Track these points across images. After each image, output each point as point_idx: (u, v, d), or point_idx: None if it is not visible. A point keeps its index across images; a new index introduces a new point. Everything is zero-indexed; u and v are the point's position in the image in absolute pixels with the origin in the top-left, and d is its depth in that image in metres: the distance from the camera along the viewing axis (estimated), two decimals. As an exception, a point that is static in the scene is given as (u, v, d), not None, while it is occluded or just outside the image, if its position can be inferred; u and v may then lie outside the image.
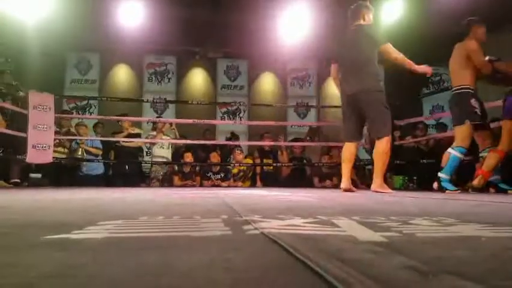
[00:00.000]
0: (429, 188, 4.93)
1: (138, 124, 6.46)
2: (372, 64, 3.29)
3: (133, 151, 5.84)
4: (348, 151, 3.43)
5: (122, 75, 7.59)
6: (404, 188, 5.44)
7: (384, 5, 5.92)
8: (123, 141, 5.58)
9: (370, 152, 5.58)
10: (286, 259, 0.51)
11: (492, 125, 3.68)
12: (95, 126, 5.98)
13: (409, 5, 5.59)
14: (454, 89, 3.40)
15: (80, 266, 0.48)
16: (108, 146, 5.65)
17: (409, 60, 3.35)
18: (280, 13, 5.82)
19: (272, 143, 6.18)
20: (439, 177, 3.39)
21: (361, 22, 3.40)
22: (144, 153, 6.57)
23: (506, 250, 0.61)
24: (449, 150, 3.39)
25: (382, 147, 3.21)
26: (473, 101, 3.25)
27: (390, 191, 3.30)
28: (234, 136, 6.65)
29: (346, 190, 3.29)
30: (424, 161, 5.20)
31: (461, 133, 3.32)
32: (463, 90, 3.30)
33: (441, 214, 1.14)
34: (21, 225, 0.92)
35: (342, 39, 3.54)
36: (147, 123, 6.63)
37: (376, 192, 3.14)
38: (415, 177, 5.46)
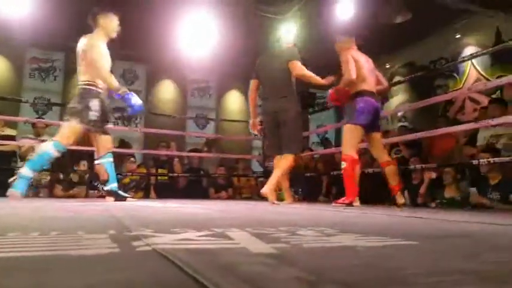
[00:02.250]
0: (314, 199, 5.34)
1: (12, 125, 5.70)
2: (290, 85, 3.50)
3: (5, 155, 5.12)
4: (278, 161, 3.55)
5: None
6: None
7: (281, 28, 6.27)
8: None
9: (262, 165, 5.85)
10: (178, 276, 0.50)
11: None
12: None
13: (301, 32, 5.96)
14: None
15: None
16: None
17: (315, 77, 3.48)
18: (185, 21, 5.76)
19: (167, 152, 6.03)
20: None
21: (280, 43, 3.71)
22: (18, 158, 5.77)
23: (378, 258, 0.68)
24: None
25: (286, 162, 3.39)
26: None
27: (277, 201, 3.44)
28: (123, 143, 6.29)
29: (264, 196, 3.40)
30: (307, 174, 5.64)
31: None
32: None
33: (323, 225, 1.24)
34: None
35: (262, 60, 3.72)
36: (24, 123, 5.85)
37: (264, 195, 3.34)
38: (300, 189, 5.85)
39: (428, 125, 4.76)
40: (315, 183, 5.75)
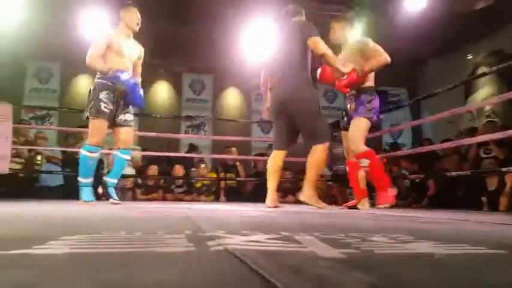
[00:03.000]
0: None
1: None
2: (303, 68, 3.01)
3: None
4: (275, 162, 3.12)
5: (83, 85, 7.39)
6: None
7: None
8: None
9: (330, 168, 5.73)
10: (248, 275, 0.53)
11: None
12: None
13: (369, 30, 5.83)
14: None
15: (38, 284, 0.47)
16: (68, 156, 5.45)
17: (337, 61, 3.03)
18: (245, 28, 5.92)
19: (234, 157, 6.20)
20: None
21: (294, 19, 3.14)
22: (105, 166, 6.33)
23: (457, 268, 0.65)
24: None
25: (317, 155, 2.97)
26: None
27: (323, 204, 3.04)
28: (193, 148, 6.61)
29: (271, 207, 2.97)
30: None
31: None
32: None
33: (398, 231, 1.20)
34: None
35: (273, 43, 3.25)
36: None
37: (305, 203, 2.98)
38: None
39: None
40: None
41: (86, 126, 3.25)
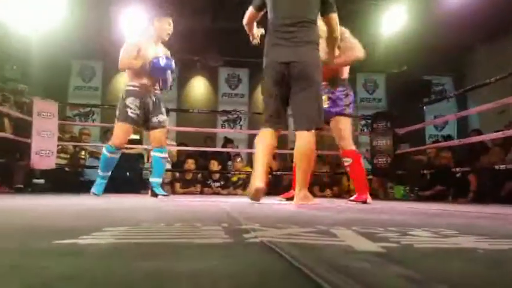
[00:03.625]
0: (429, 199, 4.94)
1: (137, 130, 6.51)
2: (315, 28, 2.54)
3: (134, 157, 5.87)
4: (268, 140, 2.58)
5: (123, 83, 7.65)
6: (405, 198, 5.45)
7: (386, 14, 5.99)
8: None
9: (371, 161, 5.59)
10: (284, 267, 0.53)
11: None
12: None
13: (412, 15, 5.64)
14: None
15: (88, 269, 0.50)
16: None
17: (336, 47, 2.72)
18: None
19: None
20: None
21: None
22: (145, 160, 6.57)
23: (501, 263, 0.63)
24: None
25: (310, 143, 2.46)
26: None
27: (315, 201, 2.64)
28: (228, 141, 6.69)
29: (257, 194, 2.46)
30: (424, 171, 5.22)
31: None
32: None
33: (440, 225, 1.16)
34: (31, 230, 0.95)
35: None
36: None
37: (301, 206, 2.32)
38: (416, 188, 5.46)
39: None
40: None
41: None
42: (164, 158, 3.50)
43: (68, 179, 5.45)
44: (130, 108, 3.23)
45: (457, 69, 7.67)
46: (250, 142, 7.45)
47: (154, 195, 3.35)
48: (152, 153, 3.45)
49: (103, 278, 0.46)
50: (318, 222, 1.17)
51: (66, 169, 5.42)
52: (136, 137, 6.38)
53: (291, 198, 2.99)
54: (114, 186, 5.56)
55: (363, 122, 7.50)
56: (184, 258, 0.58)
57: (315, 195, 5.85)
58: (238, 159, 6.02)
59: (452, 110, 7.21)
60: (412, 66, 5.88)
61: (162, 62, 3.19)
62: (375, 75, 8.25)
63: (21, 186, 4.70)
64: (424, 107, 6.90)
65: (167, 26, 3.32)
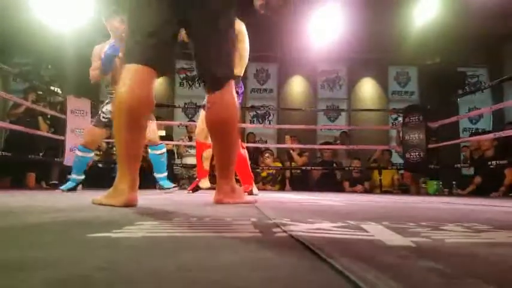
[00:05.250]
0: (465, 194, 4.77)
1: (166, 127, 6.65)
2: None
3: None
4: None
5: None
6: (438, 193, 5.29)
7: (419, 4, 5.80)
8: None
9: (402, 156, 5.45)
10: (313, 260, 0.54)
11: None
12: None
13: (444, 4, 5.44)
14: None
15: (121, 262, 0.52)
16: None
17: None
18: (310, 15, 5.82)
19: (297, 146, 6.17)
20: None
21: None
22: (176, 156, 6.72)
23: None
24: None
25: (233, 102, 1.71)
26: None
27: (247, 199, 1.93)
28: (252, 135, 6.72)
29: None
30: (458, 165, 5.05)
31: None
32: None
33: (474, 220, 1.12)
34: (66, 223, 0.99)
35: None
36: (178, 126, 6.79)
37: (224, 203, 1.73)
38: (454, 182, 5.30)
39: None
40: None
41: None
42: (162, 153, 3.67)
43: (101, 175, 5.65)
44: (103, 113, 3.43)
45: (492, 60, 7.33)
46: (279, 137, 7.45)
47: (162, 188, 3.57)
48: (149, 152, 3.64)
49: (136, 270, 0.47)
50: (349, 217, 1.16)
51: (100, 165, 5.62)
52: (162, 133, 6.53)
53: (197, 188, 3.28)
54: (144, 183, 5.75)
55: (394, 116, 7.33)
56: (216, 252, 0.60)
57: (345, 191, 5.73)
58: (267, 155, 6.03)
59: (488, 103, 6.92)
60: (445, 57, 5.65)
61: (105, 54, 3.20)
62: (407, 68, 8.04)
63: (56, 182, 4.92)
64: (458, 100, 6.65)
65: (118, 25, 3.32)
